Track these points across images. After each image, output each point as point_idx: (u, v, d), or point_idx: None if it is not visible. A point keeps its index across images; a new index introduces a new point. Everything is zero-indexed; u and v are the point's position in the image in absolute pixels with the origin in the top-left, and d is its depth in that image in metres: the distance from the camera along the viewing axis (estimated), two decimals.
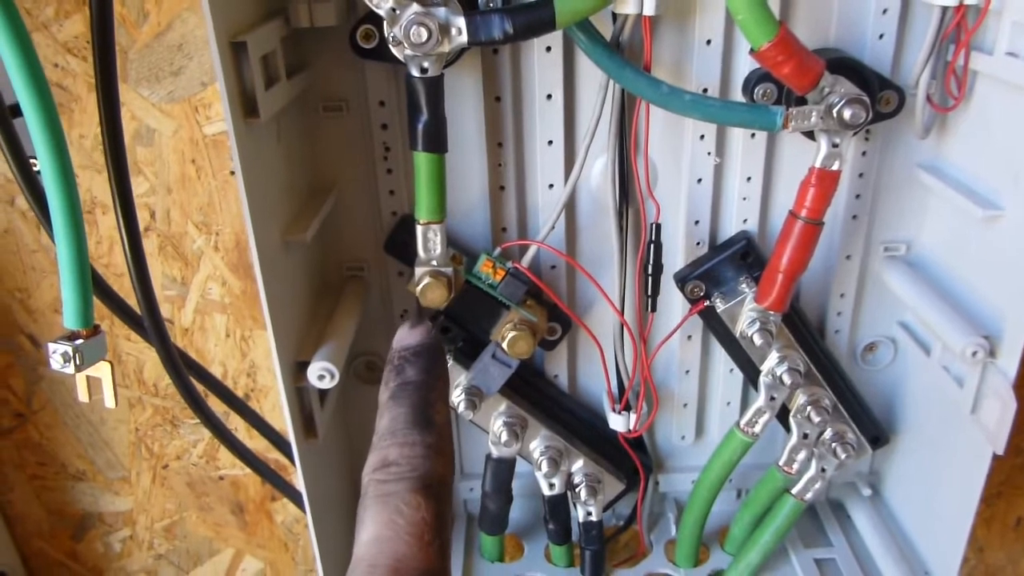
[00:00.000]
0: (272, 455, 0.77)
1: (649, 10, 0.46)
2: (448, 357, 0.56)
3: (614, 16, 0.48)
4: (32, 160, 0.43)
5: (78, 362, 0.38)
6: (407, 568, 0.26)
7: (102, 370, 0.39)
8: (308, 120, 0.53)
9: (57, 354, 0.37)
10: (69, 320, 0.37)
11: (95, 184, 0.64)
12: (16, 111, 0.44)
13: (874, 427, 0.60)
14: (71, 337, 0.38)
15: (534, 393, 0.60)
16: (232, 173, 0.61)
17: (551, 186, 0.55)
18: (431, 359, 0.35)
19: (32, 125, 0.34)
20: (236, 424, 0.74)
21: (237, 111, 0.41)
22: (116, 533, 0.88)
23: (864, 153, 0.54)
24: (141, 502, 0.85)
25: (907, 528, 0.63)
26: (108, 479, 0.84)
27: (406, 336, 0.36)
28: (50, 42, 0.58)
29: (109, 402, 0.40)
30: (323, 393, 0.53)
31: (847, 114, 0.45)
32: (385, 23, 0.44)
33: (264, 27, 0.44)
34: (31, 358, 0.73)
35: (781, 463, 0.58)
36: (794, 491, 0.59)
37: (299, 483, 0.50)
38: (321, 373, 0.48)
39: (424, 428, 0.31)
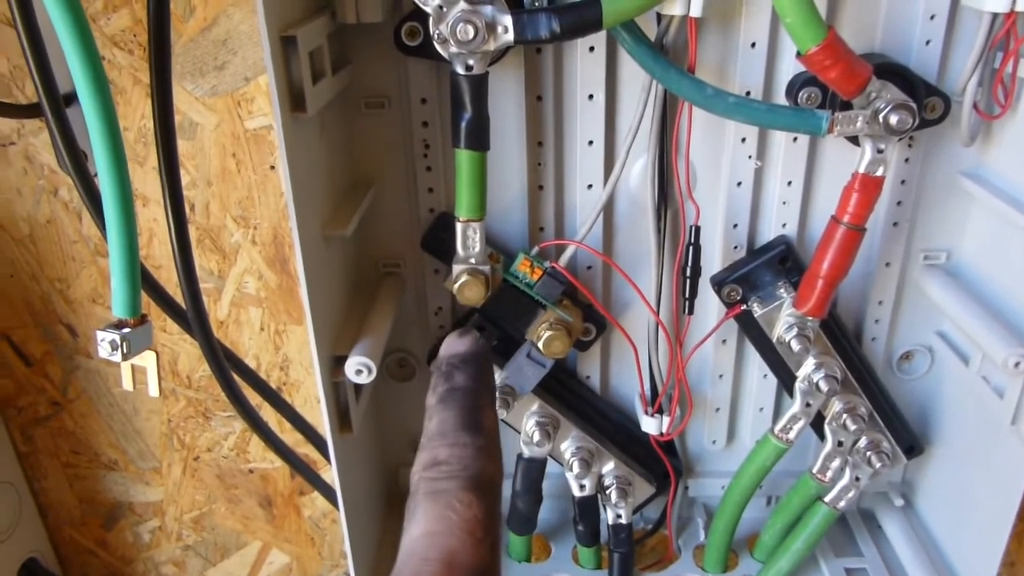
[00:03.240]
0: (301, 449, 0.77)
1: (696, 11, 0.46)
2: None
3: (658, 17, 0.48)
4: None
5: (125, 350, 0.38)
6: (459, 563, 0.26)
7: (147, 359, 0.40)
8: (350, 115, 0.53)
9: (105, 342, 0.38)
10: (118, 308, 0.38)
11: (136, 176, 0.65)
12: (69, 100, 0.45)
13: (909, 436, 0.59)
14: (118, 325, 0.39)
15: (567, 393, 0.60)
16: (272, 168, 0.62)
17: (590, 186, 0.55)
18: (479, 367, 0.35)
19: (89, 116, 0.35)
20: (267, 417, 0.75)
21: (285, 105, 0.41)
22: (146, 523, 0.89)
23: (907, 160, 0.54)
24: (171, 493, 0.86)
25: (939, 540, 0.62)
26: (140, 469, 0.85)
27: (455, 344, 0.36)
28: (98, 35, 0.58)
29: (153, 391, 0.41)
30: (358, 388, 0.53)
31: (893, 120, 0.45)
32: (431, 20, 0.44)
33: (312, 22, 0.44)
34: (68, 347, 0.74)
35: (815, 471, 0.58)
36: (827, 499, 0.58)
37: (333, 477, 0.51)
38: (359, 368, 0.49)
39: (474, 431, 0.32)
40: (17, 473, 0.84)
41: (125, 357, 0.38)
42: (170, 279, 0.68)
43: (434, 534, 0.27)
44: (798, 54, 0.44)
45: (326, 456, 0.50)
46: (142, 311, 0.39)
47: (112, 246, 0.37)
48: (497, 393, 0.56)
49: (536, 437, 0.58)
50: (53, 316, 0.72)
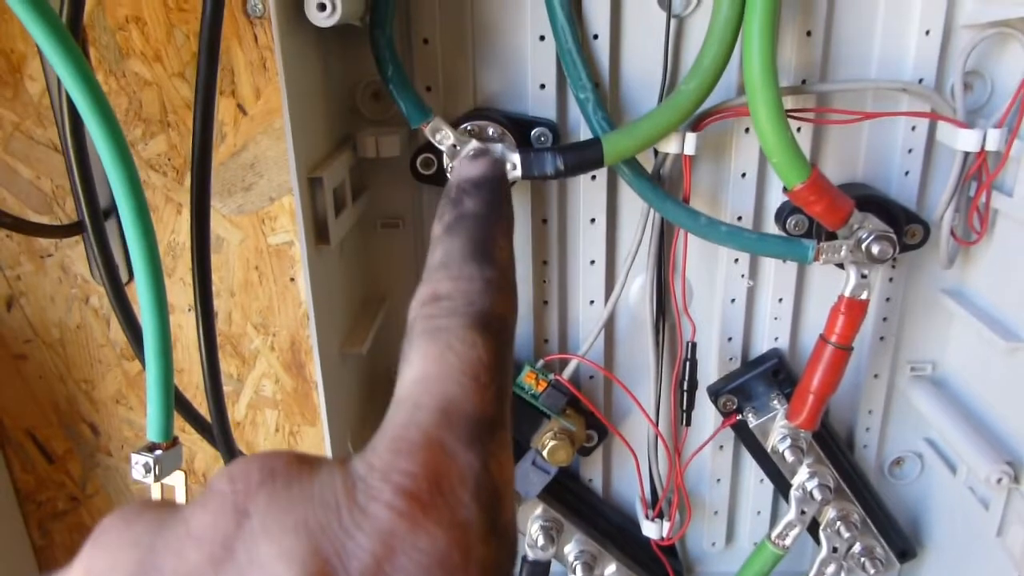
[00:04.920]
0: None
1: (689, 150, 0.49)
2: None
3: (655, 151, 0.52)
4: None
5: (157, 473, 0.40)
6: (458, 411, 0.21)
7: (176, 479, 0.42)
8: (366, 235, 0.57)
9: (139, 465, 0.40)
10: (153, 433, 0.41)
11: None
12: (107, 214, 0.48)
13: (902, 541, 0.61)
14: (151, 448, 0.41)
15: (570, 497, 0.62)
16: (292, 280, 0.65)
17: (592, 302, 0.58)
18: (493, 191, 0.30)
19: (132, 243, 0.38)
20: None
21: (311, 238, 0.45)
22: None
23: (891, 279, 0.57)
24: None
25: None
26: None
27: (467, 167, 0.32)
28: (136, 159, 0.63)
29: None
30: None
31: (875, 249, 0.48)
32: (445, 155, 0.48)
33: (335, 160, 0.48)
34: (90, 445, 0.76)
35: None
36: None
37: None
38: None
39: (483, 262, 0.26)
40: (32, 568, 0.85)
41: (157, 479, 0.41)
42: (191, 382, 0.71)
43: (429, 378, 0.22)
44: (785, 189, 0.47)
45: None
46: (174, 433, 0.42)
47: (150, 373, 0.40)
48: None
49: (540, 541, 0.59)
50: (77, 415, 0.75)
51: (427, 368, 0.23)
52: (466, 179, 0.31)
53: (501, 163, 0.37)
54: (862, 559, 0.59)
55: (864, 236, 0.48)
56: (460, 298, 0.25)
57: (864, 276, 0.50)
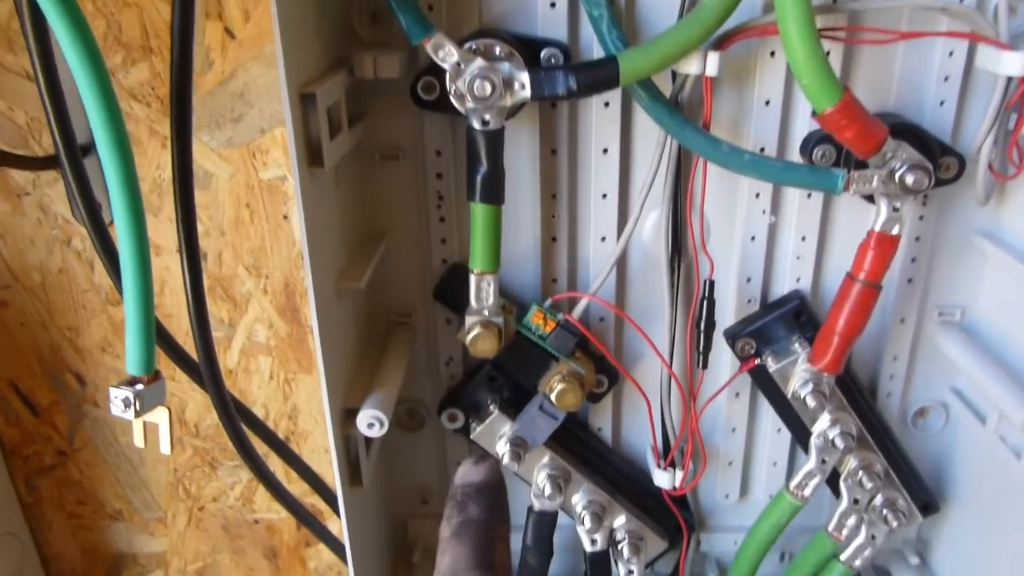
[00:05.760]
0: (308, 499, 0.76)
1: (712, 71, 0.46)
2: (493, 408, 0.56)
3: (673, 74, 0.49)
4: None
5: (138, 408, 0.38)
6: None
7: (160, 416, 0.39)
8: (364, 167, 0.54)
9: (118, 399, 0.37)
10: (132, 366, 0.38)
11: (149, 226, 0.64)
12: (84, 151, 0.45)
13: (924, 494, 0.59)
14: (132, 382, 0.38)
15: (578, 446, 0.60)
16: (285, 218, 0.62)
17: (603, 239, 0.55)
18: (494, 497, 0.35)
19: (109, 170, 0.35)
20: (273, 466, 0.74)
21: (303, 159, 0.42)
22: (149, 575, 0.87)
23: (921, 217, 0.54)
24: (175, 544, 0.85)
25: None
26: (144, 519, 0.84)
27: (470, 472, 0.36)
28: (117, 88, 0.59)
29: (165, 448, 0.40)
30: (368, 441, 0.52)
31: (909, 180, 0.45)
32: (448, 76, 0.44)
33: (330, 79, 0.45)
34: (76, 396, 0.74)
35: (830, 528, 0.57)
36: (843, 557, 0.58)
37: (343, 531, 0.50)
38: (371, 421, 0.48)
39: (486, 570, 0.31)
40: (20, 524, 0.83)
41: (138, 415, 0.38)
42: (180, 328, 0.68)
43: None
44: (814, 113, 0.44)
45: (333, 508, 0.50)
46: (156, 367, 0.39)
47: (128, 303, 0.37)
48: (509, 445, 0.55)
49: (547, 490, 0.57)
50: (62, 364, 0.72)
51: None
52: (469, 484, 0.35)
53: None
54: (884, 511, 0.56)
55: (897, 166, 0.45)
56: None
57: (896, 209, 0.47)
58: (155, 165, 0.62)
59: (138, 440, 0.40)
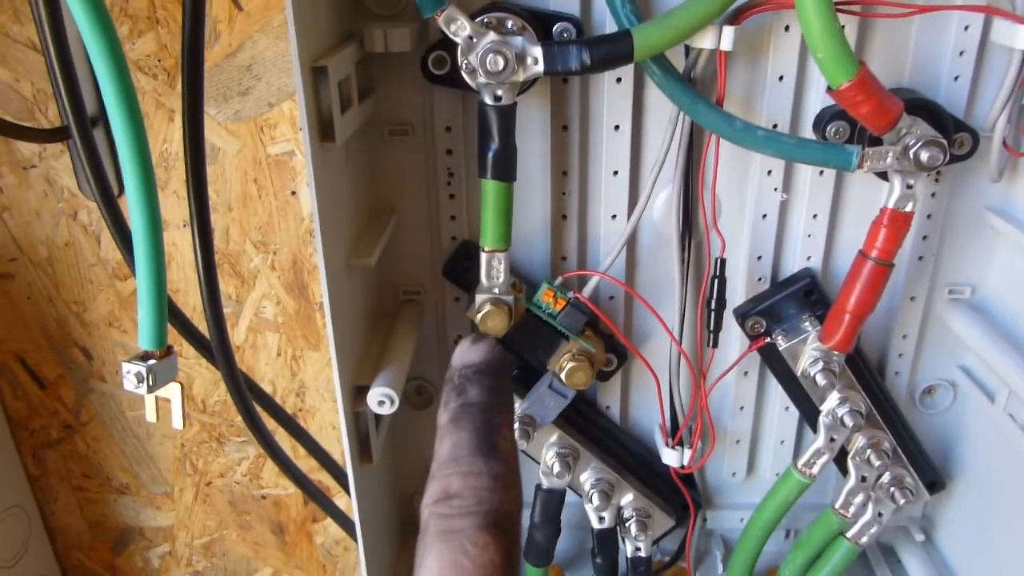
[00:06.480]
0: (315, 475, 0.76)
1: (726, 45, 0.46)
2: None
3: (687, 49, 0.48)
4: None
5: (151, 383, 0.37)
6: None
7: (172, 391, 0.39)
8: (373, 142, 0.53)
9: (131, 374, 0.37)
10: (144, 340, 0.37)
11: None
12: (92, 123, 0.45)
13: (931, 472, 0.59)
14: (144, 357, 0.38)
15: (587, 424, 0.60)
16: (293, 193, 0.62)
17: (614, 216, 0.55)
18: (495, 378, 0.32)
19: (121, 142, 0.35)
20: (281, 442, 0.74)
21: (315, 135, 0.41)
22: (155, 548, 0.88)
23: (933, 194, 0.54)
24: (182, 518, 0.85)
25: None
26: (151, 494, 0.84)
27: (468, 352, 0.33)
28: None
29: (177, 423, 0.40)
30: (378, 418, 0.52)
31: (924, 156, 0.44)
32: (460, 50, 0.44)
33: (341, 52, 0.44)
34: (83, 370, 0.74)
35: (837, 506, 0.57)
36: (849, 535, 0.58)
37: (352, 508, 0.50)
38: (381, 399, 0.48)
39: (489, 455, 0.28)
40: (27, 496, 0.83)
41: (151, 390, 0.37)
42: (187, 303, 0.68)
43: None
44: (829, 89, 0.43)
45: (341, 484, 0.50)
46: (167, 342, 0.39)
47: (140, 277, 0.36)
48: (517, 423, 0.55)
49: (556, 468, 0.57)
50: (68, 339, 0.71)
51: (443, 573, 0.25)
52: (468, 365, 0.32)
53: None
54: (891, 489, 0.56)
55: (912, 142, 0.45)
56: (470, 496, 0.27)
57: (910, 186, 0.46)
58: (162, 138, 0.61)
59: (150, 415, 0.40)
